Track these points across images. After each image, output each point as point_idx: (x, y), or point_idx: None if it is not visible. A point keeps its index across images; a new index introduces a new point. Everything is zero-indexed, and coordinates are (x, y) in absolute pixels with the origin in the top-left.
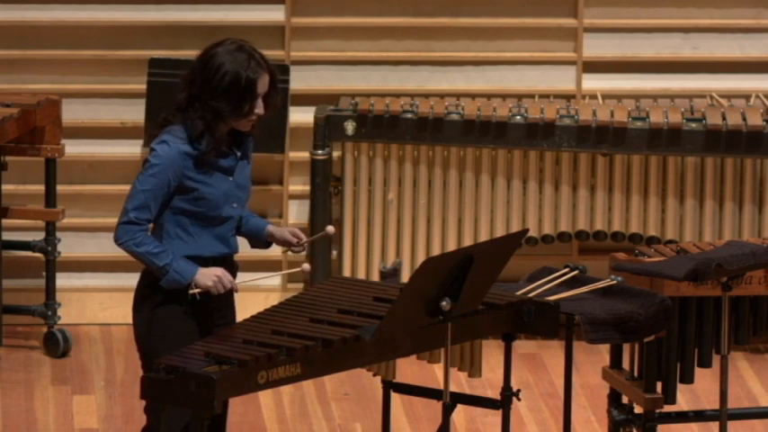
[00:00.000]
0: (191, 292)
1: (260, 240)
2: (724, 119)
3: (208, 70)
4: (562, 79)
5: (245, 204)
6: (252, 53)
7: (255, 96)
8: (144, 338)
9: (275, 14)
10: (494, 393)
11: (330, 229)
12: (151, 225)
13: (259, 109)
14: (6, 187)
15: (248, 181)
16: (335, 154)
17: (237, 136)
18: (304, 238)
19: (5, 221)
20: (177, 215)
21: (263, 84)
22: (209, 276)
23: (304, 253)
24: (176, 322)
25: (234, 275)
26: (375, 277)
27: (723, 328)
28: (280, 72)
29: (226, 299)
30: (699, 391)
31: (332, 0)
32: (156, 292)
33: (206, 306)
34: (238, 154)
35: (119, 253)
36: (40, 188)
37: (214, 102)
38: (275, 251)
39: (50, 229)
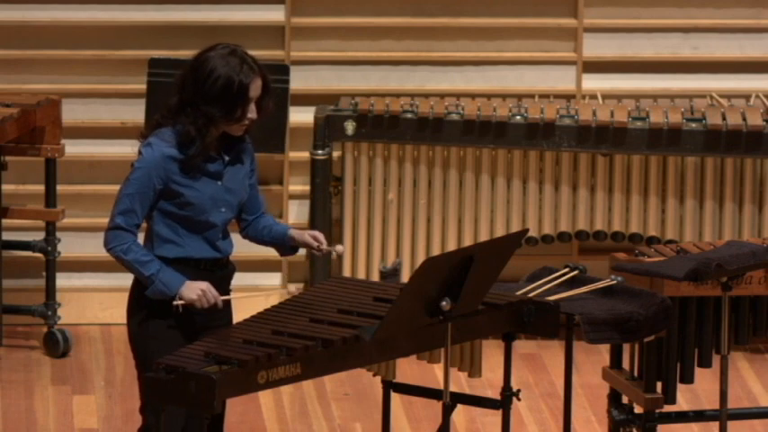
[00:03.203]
0: (175, 303)
1: (285, 247)
2: (724, 119)
3: (200, 75)
4: (562, 79)
5: (236, 209)
6: (244, 57)
7: (248, 101)
8: (138, 340)
9: (275, 14)
10: (494, 393)
11: (339, 248)
12: (143, 226)
13: (252, 114)
14: (6, 187)
15: (242, 184)
16: (335, 154)
17: (228, 140)
18: (324, 241)
19: (5, 221)
20: (167, 218)
21: (255, 88)
22: (194, 290)
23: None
24: (172, 333)
25: (230, 276)
26: (375, 277)
27: (723, 328)
28: (280, 72)
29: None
30: (699, 391)
31: (332, 0)
32: (148, 299)
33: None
34: (226, 158)
35: None
36: (40, 188)
37: (206, 106)
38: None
39: (50, 229)
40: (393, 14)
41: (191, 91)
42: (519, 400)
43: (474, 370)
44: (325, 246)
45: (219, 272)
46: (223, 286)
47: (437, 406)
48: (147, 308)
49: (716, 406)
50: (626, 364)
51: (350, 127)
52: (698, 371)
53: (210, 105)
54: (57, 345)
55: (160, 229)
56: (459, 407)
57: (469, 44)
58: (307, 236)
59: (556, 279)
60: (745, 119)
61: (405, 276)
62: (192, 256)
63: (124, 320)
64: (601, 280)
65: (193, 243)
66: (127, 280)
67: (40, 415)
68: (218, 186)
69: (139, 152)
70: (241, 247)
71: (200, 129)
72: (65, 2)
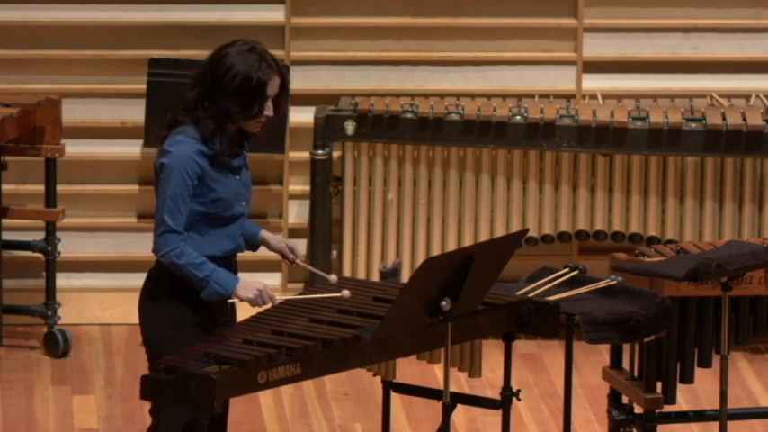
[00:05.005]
0: (230, 301)
1: (249, 243)
2: (724, 119)
3: (218, 70)
4: (562, 79)
5: (250, 204)
6: (263, 55)
7: (265, 98)
8: (152, 339)
9: (275, 14)
10: (494, 393)
11: (333, 278)
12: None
13: (269, 111)
14: (6, 187)
15: (250, 180)
16: (335, 154)
17: (241, 136)
18: (300, 253)
19: (5, 221)
20: (191, 217)
21: (273, 86)
22: (250, 289)
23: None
24: (185, 321)
25: (235, 274)
26: (375, 277)
27: (723, 328)
28: None
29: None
30: (699, 391)
31: (332, 0)
32: (163, 291)
33: (212, 305)
34: (244, 153)
35: (119, 253)
36: (40, 188)
37: (223, 102)
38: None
39: (50, 229)
40: (393, 14)
41: (208, 86)
42: (519, 400)
43: (474, 370)
44: (299, 260)
45: (232, 269)
46: None
47: (437, 406)
48: (161, 307)
49: (716, 406)
50: (626, 364)
51: (350, 127)
52: (698, 371)
53: (228, 101)
54: (57, 345)
55: None
56: (459, 407)
57: (469, 44)
58: (284, 245)
59: (556, 279)
60: (745, 119)
61: (405, 276)
62: (212, 254)
63: (124, 320)
64: (601, 280)
65: (213, 240)
66: (127, 280)
67: (40, 415)
68: (237, 181)
69: (162, 151)
70: None
71: (218, 123)
72: (65, 2)
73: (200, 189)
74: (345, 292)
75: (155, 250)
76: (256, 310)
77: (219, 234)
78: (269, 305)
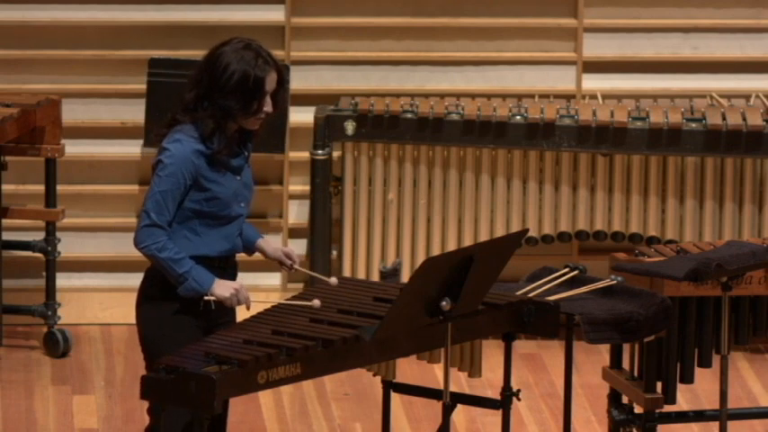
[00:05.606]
0: (206, 299)
1: (247, 248)
2: (724, 119)
3: (215, 69)
4: (562, 79)
5: (250, 204)
6: (259, 51)
7: (264, 94)
8: (149, 338)
9: (275, 14)
10: (494, 393)
11: (333, 280)
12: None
13: (268, 107)
14: (6, 187)
15: (251, 180)
16: (335, 154)
17: (242, 135)
18: (297, 260)
19: (5, 221)
20: (186, 216)
21: (270, 82)
22: (227, 288)
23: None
24: (183, 321)
25: (235, 274)
26: (375, 277)
27: (723, 328)
28: None
29: None
30: (699, 391)
31: (332, 0)
32: (160, 291)
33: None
34: (246, 153)
35: (119, 253)
36: (40, 188)
37: (223, 100)
38: None
39: (50, 229)
40: (393, 14)
41: (207, 85)
42: (519, 400)
43: (474, 370)
44: (297, 265)
45: (231, 270)
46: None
47: (437, 406)
48: (158, 307)
49: (716, 406)
50: (626, 364)
51: (350, 127)
52: (698, 371)
53: (227, 99)
54: (57, 345)
55: (177, 228)
56: (459, 407)
57: (469, 44)
58: (281, 254)
59: (556, 279)
60: (745, 119)
61: (405, 276)
62: (208, 254)
63: (124, 320)
64: (601, 280)
65: (210, 240)
66: (127, 280)
67: (40, 415)
68: (238, 181)
69: (162, 149)
70: None
71: (218, 122)
72: (65, 2)
73: (198, 186)
74: (316, 302)
75: (136, 242)
76: (256, 309)
77: (215, 234)
78: (243, 305)
